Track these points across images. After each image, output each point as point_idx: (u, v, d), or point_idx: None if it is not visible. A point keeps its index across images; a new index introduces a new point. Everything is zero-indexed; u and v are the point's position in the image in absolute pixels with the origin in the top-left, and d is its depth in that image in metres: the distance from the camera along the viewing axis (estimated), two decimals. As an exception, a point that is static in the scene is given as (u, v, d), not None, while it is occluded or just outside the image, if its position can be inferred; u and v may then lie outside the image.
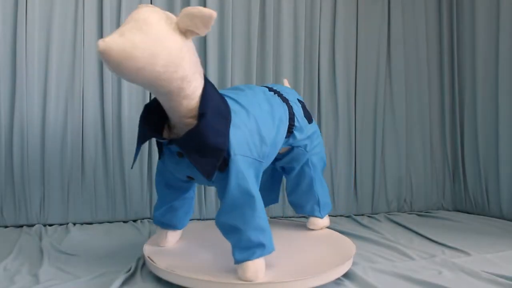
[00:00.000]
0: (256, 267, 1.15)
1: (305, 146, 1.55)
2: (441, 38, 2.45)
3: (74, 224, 1.97)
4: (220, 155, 1.11)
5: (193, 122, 1.12)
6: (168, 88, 1.05)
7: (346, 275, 1.30)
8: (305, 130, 1.53)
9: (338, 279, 1.26)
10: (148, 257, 1.31)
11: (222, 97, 1.18)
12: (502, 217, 2.16)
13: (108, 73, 2.00)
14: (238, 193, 1.14)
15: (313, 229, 1.67)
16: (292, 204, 1.75)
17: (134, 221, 2.04)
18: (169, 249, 1.42)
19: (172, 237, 1.45)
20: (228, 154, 1.14)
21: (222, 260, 1.30)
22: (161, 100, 1.13)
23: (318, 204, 1.66)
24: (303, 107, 1.58)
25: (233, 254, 1.17)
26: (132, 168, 1.48)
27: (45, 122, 1.95)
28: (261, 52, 2.21)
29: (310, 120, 1.58)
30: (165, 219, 1.42)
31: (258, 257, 1.16)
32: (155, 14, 1.00)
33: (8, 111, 1.92)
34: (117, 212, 2.03)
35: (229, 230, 1.19)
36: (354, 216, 2.22)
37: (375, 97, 2.37)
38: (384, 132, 2.38)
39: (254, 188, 1.17)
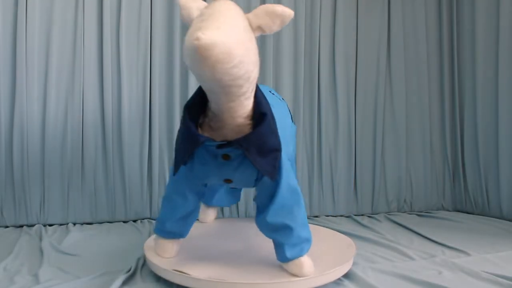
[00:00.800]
0: (308, 261, 1.16)
1: None
2: (441, 38, 2.45)
3: (74, 224, 1.97)
4: (278, 156, 1.09)
5: (245, 122, 1.05)
6: (240, 88, 0.95)
7: (346, 275, 1.30)
8: (293, 130, 1.56)
9: (338, 279, 1.26)
10: (176, 270, 1.18)
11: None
12: (502, 217, 2.16)
13: (108, 73, 2.00)
14: (288, 193, 1.14)
15: None
16: None
17: (134, 221, 2.04)
18: (184, 257, 1.31)
19: (178, 247, 1.34)
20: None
21: (251, 260, 1.30)
22: (221, 100, 0.99)
23: None
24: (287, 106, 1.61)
25: (284, 252, 1.16)
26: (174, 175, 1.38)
27: (45, 122, 1.94)
28: (261, 52, 2.19)
29: (292, 120, 1.61)
30: (175, 228, 1.30)
31: (306, 252, 1.17)
32: (236, 8, 0.92)
33: (8, 111, 1.91)
34: (117, 212, 2.03)
35: (278, 229, 1.16)
36: (354, 216, 2.22)
37: (375, 97, 2.36)
38: (384, 132, 2.38)
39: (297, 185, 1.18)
